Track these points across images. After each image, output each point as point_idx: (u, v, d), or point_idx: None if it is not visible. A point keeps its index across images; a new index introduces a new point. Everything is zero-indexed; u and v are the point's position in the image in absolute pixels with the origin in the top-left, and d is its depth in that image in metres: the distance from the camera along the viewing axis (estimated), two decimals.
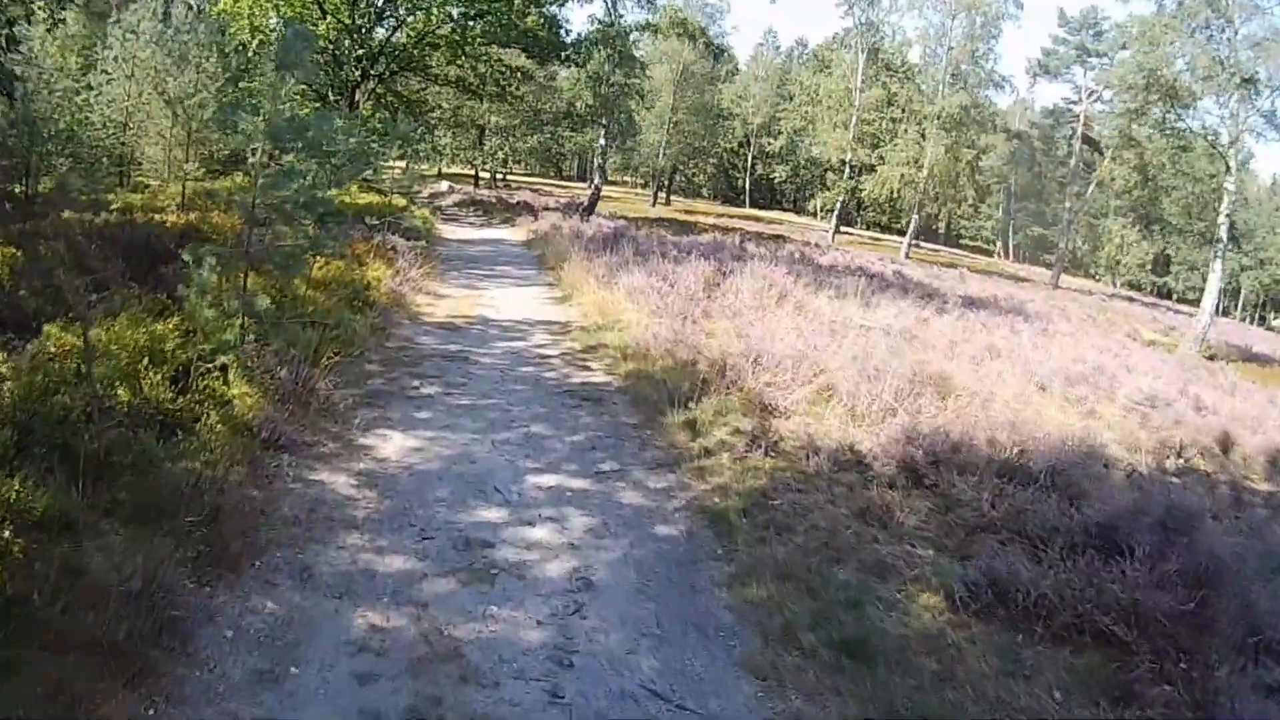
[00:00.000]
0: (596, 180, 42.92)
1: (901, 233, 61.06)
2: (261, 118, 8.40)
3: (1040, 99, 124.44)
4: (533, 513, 7.28)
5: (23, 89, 22.35)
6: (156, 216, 15.56)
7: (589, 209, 38.84)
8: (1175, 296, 67.29)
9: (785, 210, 78.77)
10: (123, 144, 24.41)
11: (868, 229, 72.46)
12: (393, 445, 8.41)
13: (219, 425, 7.53)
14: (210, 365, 8.22)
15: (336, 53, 32.70)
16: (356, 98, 33.55)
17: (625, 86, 42.79)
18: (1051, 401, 12.55)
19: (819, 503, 7.80)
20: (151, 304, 9.09)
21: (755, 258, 24.87)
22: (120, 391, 7.30)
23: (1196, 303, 58.21)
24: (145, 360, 7.75)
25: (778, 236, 44.77)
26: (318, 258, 12.81)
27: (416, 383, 10.52)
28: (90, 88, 23.86)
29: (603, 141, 41.82)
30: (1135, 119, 44.40)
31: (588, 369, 11.99)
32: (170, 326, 8.41)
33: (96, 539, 5.65)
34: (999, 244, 76.92)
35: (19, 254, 11.06)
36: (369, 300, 13.62)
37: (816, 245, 42.32)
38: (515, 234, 31.43)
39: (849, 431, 9.47)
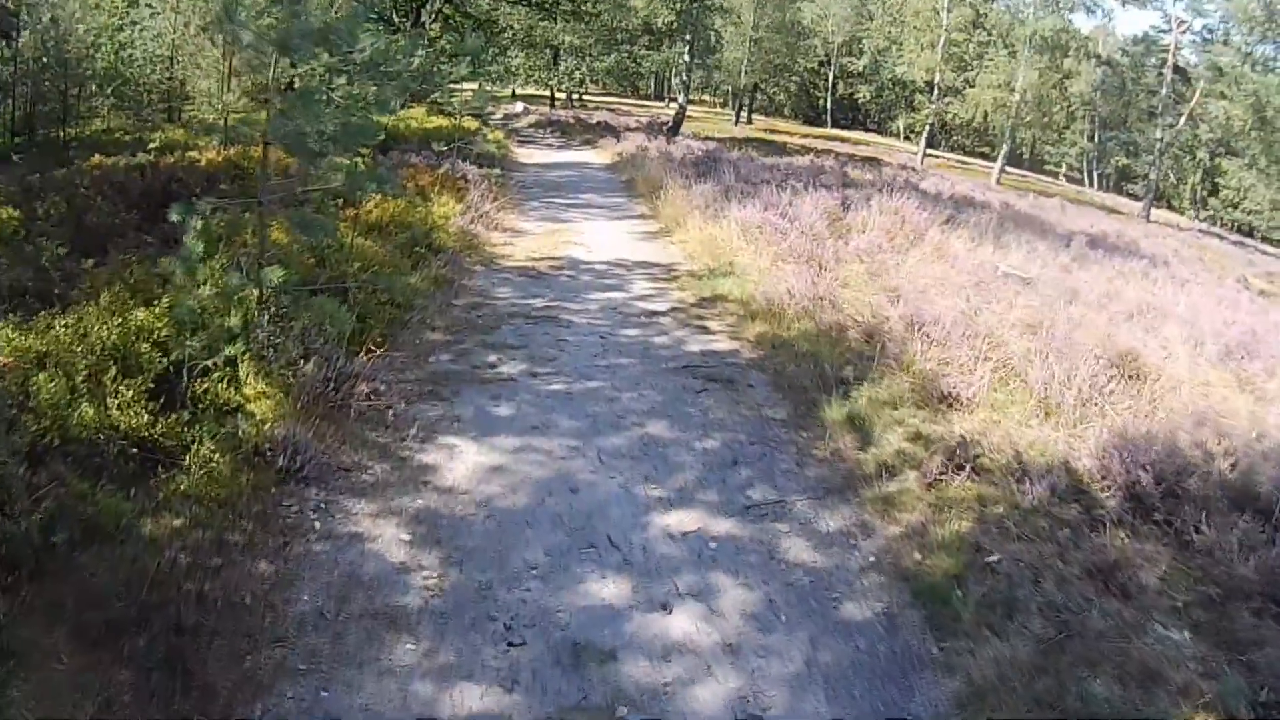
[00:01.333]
0: (680, 99, 40.15)
1: (986, 157, 58.37)
2: (256, 21, 6.08)
3: (1120, 27, 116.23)
4: (666, 584, 4.94)
5: (53, 30, 20.68)
6: (191, 155, 13.29)
7: (674, 129, 36.26)
8: (1259, 235, 63.26)
9: (868, 131, 75.34)
10: (170, 79, 22.85)
11: (951, 152, 68.77)
12: (463, 464, 6.14)
13: (216, 456, 5.33)
14: (211, 363, 6.02)
15: None
16: (422, 19, 31.10)
17: (706, 2, 39.84)
18: (1221, 378, 9.90)
19: (1045, 557, 5.35)
20: (144, 277, 6.89)
21: (867, 185, 22.24)
22: (85, 411, 5.14)
23: None
24: (115, 368, 5.58)
25: (870, 159, 41.60)
26: (368, 197, 10.58)
27: (493, 357, 8.20)
28: (135, 23, 22.27)
29: (687, 59, 38.87)
30: (1246, 58, 41.28)
31: (707, 331, 9.53)
32: (158, 312, 6.21)
33: (24, 675, 3.56)
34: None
35: (17, 215, 8.95)
36: (434, 245, 11.34)
37: (913, 170, 39.07)
38: (598, 156, 28.84)
39: (1048, 434, 7.03)
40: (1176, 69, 52.07)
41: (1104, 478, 6.30)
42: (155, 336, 6.10)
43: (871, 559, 5.40)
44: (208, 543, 4.66)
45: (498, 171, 17.91)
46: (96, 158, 12.97)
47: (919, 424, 7.09)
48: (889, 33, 63.42)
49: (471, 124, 23.35)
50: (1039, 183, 58.95)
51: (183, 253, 5.80)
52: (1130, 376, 8.42)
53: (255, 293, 6.52)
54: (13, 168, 14.13)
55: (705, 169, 21.25)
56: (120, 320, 6.09)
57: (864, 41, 68.71)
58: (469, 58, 20.38)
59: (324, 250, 8.87)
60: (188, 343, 5.92)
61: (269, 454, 5.64)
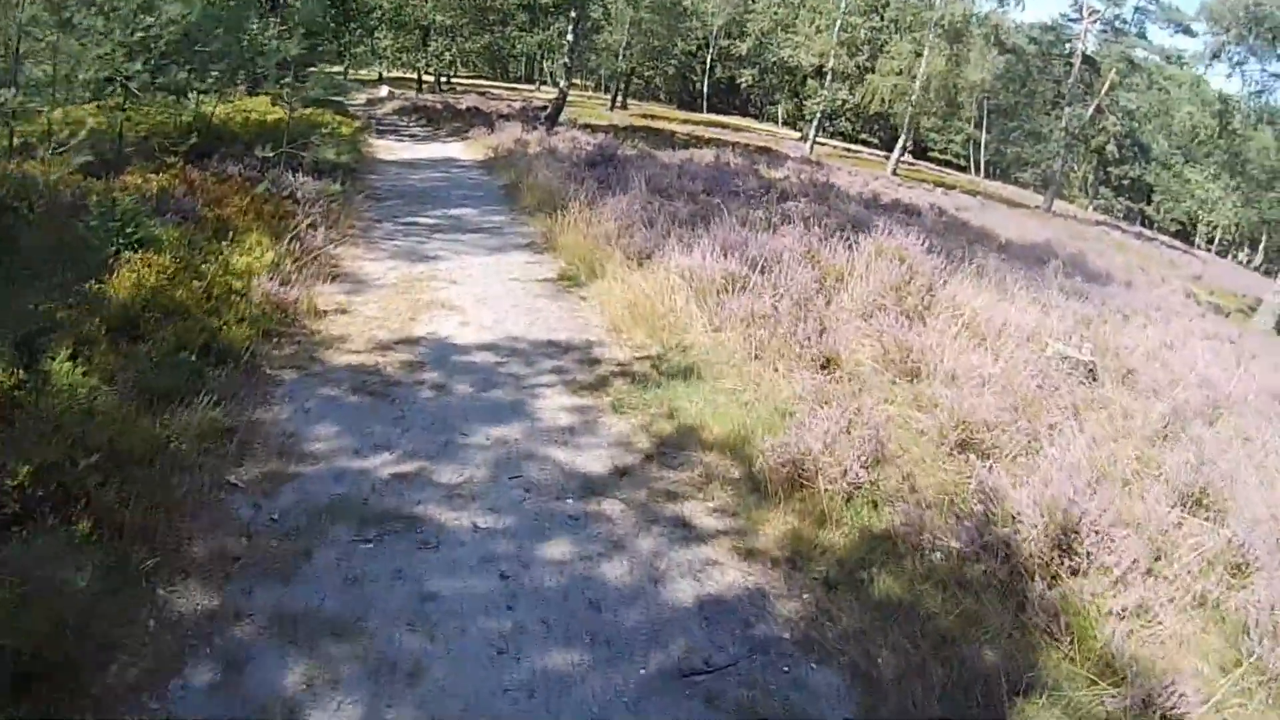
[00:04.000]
0: (562, 84, 35.60)
1: (871, 144, 58.22)
2: None
3: (1019, 14, 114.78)
4: None
5: None
6: None
7: (553, 118, 31.92)
8: (1154, 226, 63.36)
9: (747, 116, 72.77)
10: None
11: (833, 138, 66.22)
12: None
13: None
14: None
15: None
16: None
17: None
18: None
19: None
20: None
21: (797, 195, 18.58)
22: None
23: (1180, 236, 54.88)
24: None
25: (763, 149, 38.20)
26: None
27: (296, 676, 3.87)
28: None
29: (571, 38, 34.34)
30: (1214, 58, 42.19)
31: (692, 536, 5.21)
32: None
33: None
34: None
35: None
36: (216, 344, 6.92)
37: (817, 164, 35.24)
38: (469, 151, 24.34)
39: None
40: (1086, 59, 50.78)
41: None
42: None
43: None
44: None
45: (338, 187, 13.31)
46: None
47: None
48: (776, 14, 60.63)
49: (324, 117, 18.75)
50: (933, 172, 56.90)
51: None
52: None
53: None
54: None
55: (604, 173, 17.11)
56: None
57: (748, 24, 65.50)
58: (303, 31, 15.80)
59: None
60: None
61: None
